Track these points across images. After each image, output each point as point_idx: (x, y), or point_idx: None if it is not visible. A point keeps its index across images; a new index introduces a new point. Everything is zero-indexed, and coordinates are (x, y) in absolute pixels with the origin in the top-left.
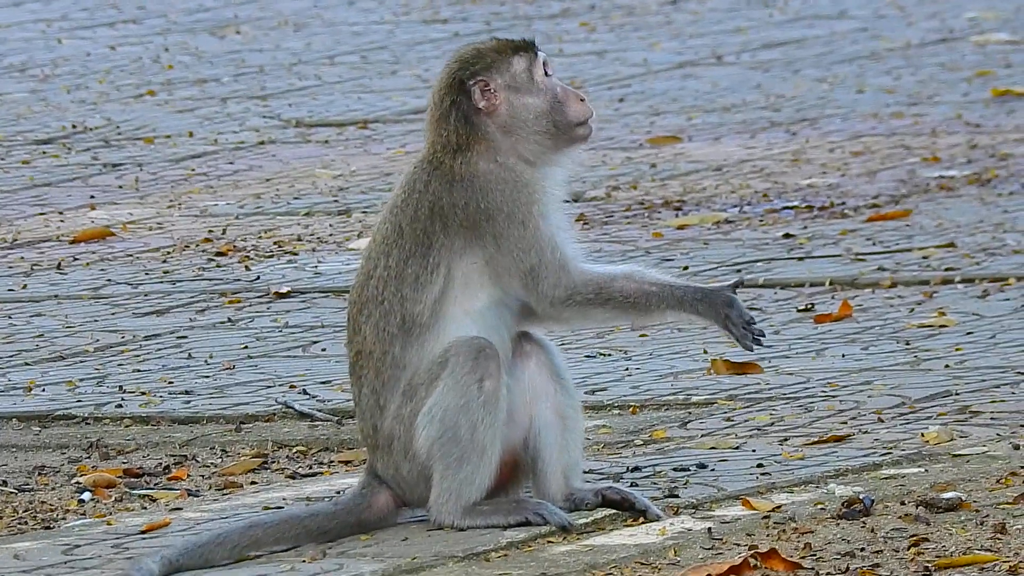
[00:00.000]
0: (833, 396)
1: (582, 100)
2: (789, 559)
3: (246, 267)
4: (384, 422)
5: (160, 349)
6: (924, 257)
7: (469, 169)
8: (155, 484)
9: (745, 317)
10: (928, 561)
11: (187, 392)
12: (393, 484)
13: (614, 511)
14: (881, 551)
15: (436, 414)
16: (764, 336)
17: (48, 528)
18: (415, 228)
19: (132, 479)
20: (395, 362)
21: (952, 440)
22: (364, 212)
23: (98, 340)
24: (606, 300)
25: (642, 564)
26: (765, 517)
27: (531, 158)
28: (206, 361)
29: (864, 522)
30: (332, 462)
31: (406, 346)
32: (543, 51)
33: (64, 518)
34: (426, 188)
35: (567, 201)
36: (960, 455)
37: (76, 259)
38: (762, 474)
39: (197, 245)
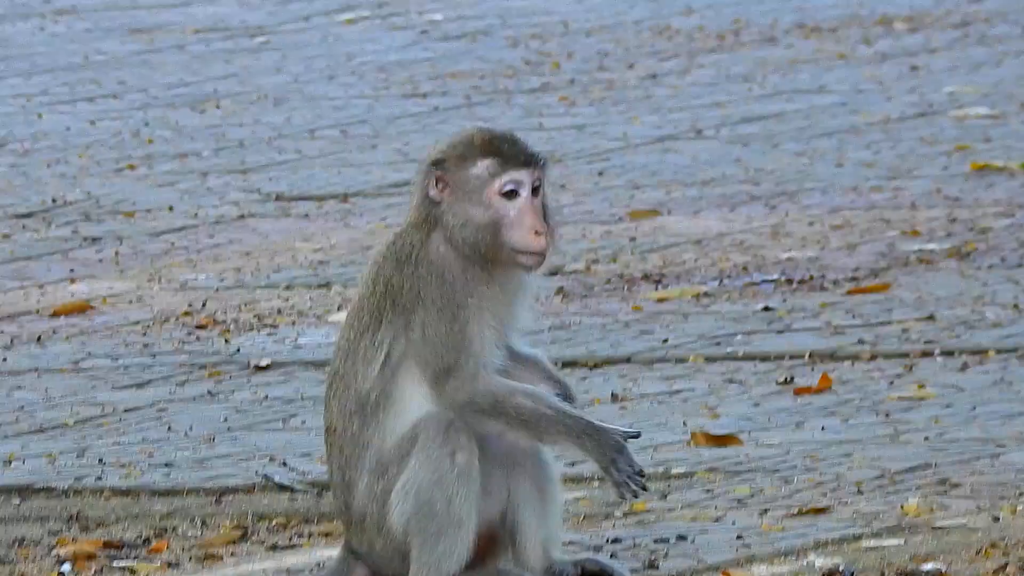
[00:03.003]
0: (813, 468)
1: (538, 233)
2: None
3: (226, 340)
4: (354, 500)
5: (140, 421)
6: (904, 330)
7: (420, 252)
8: (135, 556)
9: (634, 467)
10: None
11: (167, 464)
12: (368, 560)
13: None
14: None
15: (410, 490)
16: (647, 490)
17: None
18: (371, 303)
19: (112, 551)
20: (355, 440)
21: (932, 512)
22: (344, 285)
23: (78, 413)
24: (500, 414)
25: None
26: None
27: (473, 259)
28: (186, 433)
29: None
30: (312, 534)
31: (364, 424)
32: (543, 171)
33: None
34: (384, 263)
35: (522, 295)
36: (940, 527)
37: (56, 332)
38: (742, 546)
39: (177, 318)
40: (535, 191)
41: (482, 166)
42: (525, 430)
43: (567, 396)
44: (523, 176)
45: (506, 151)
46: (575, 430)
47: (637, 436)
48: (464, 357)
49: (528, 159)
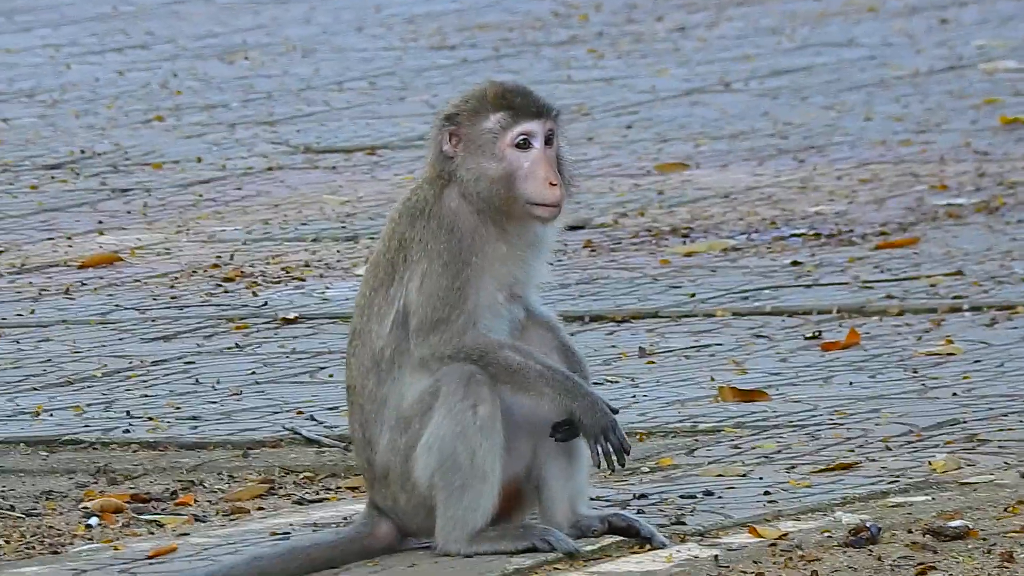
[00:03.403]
0: (840, 424)
1: (552, 184)
2: None
3: (253, 293)
4: (376, 456)
5: (167, 374)
6: (932, 285)
7: (433, 207)
8: (162, 509)
9: (623, 444)
10: None
11: (194, 418)
12: (392, 515)
13: (620, 538)
14: None
15: (433, 444)
16: (624, 467)
17: (55, 553)
18: (386, 259)
19: (139, 504)
20: (372, 397)
21: (959, 468)
22: (371, 238)
23: (106, 365)
24: (486, 365)
25: None
26: (772, 545)
27: (488, 214)
28: (213, 387)
29: (871, 550)
30: (339, 488)
31: (380, 381)
32: (555, 121)
33: (71, 543)
34: (399, 219)
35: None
36: (967, 483)
37: (84, 284)
38: (769, 502)
39: (205, 271)
40: (548, 142)
41: (494, 119)
42: (512, 383)
43: (577, 364)
44: (535, 127)
45: (518, 103)
46: (566, 390)
47: (616, 412)
48: (456, 312)
49: (540, 110)
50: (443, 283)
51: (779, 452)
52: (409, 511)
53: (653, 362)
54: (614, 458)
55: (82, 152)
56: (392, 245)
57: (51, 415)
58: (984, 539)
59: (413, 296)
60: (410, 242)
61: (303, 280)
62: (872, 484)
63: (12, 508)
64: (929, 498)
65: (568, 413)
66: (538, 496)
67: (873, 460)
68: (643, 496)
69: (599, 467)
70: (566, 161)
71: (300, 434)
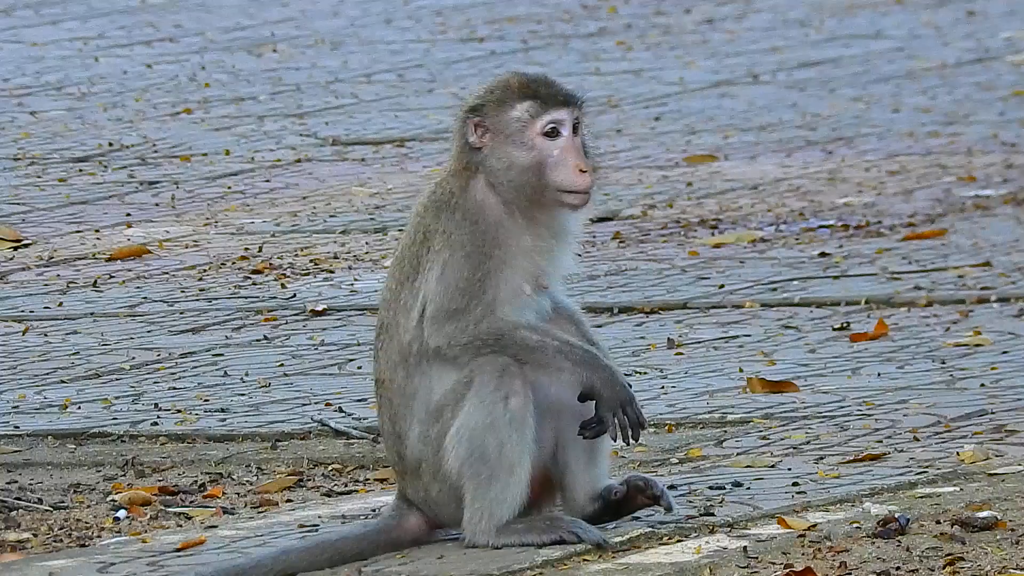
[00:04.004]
0: (869, 415)
1: (583, 171)
2: None
3: (282, 285)
4: (407, 449)
5: (196, 367)
6: (960, 276)
7: (459, 198)
8: (190, 502)
9: (640, 419)
10: None
11: (223, 410)
12: (424, 506)
13: (649, 529)
14: (917, 570)
15: (464, 434)
16: (638, 441)
17: (83, 546)
18: (411, 252)
19: (167, 497)
20: (401, 390)
21: (988, 459)
22: (400, 230)
23: (134, 358)
24: (504, 347)
25: None
26: (801, 536)
27: (516, 204)
28: (242, 379)
29: (899, 541)
30: (368, 480)
31: (409, 375)
32: (581, 110)
33: (99, 536)
34: (425, 212)
35: (566, 240)
36: (996, 474)
37: (112, 277)
38: (798, 493)
39: (233, 263)
40: (575, 130)
41: (522, 108)
42: (531, 362)
43: (596, 347)
44: (563, 115)
45: (544, 92)
46: (585, 362)
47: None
48: (474, 303)
49: (567, 98)
50: (463, 273)
51: (807, 443)
52: (441, 502)
53: (682, 353)
54: (630, 432)
55: (110, 145)
56: (417, 238)
57: (79, 408)
58: (1012, 530)
59: (432, 285)
60: (434, 234)
61: (332, 272)
62: (900, 475)
63: (40, 501)
64: (957, 489)
65: (587, 385)
66: (560, 480)
67: (901, 451)
68: (672, 487)
69: (615, 440)
70: (591, 148)
71: (328, 426)
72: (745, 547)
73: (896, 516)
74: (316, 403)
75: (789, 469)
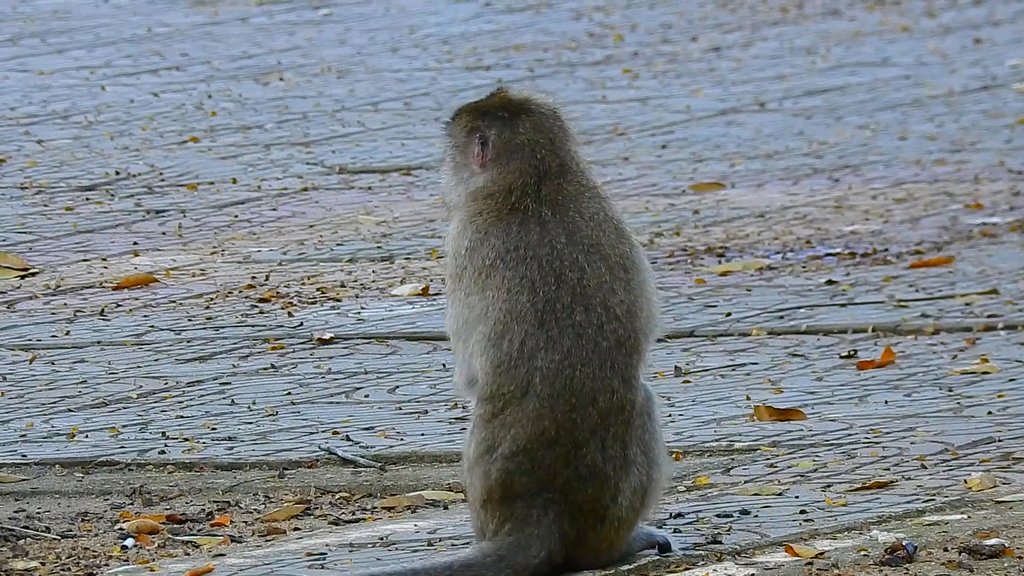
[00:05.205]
0: (876, 443)
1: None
2: None
3: (289, 313)
4: (661, 472)
5: (203, 395)
6: (967, 304)
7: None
8: (198, 530)
9: None
10: None
11: (230, 438)
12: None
13: (657, 558)
14: None
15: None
16: None
17: (91, 574)
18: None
19: (175, 525)
20: (640, 412)
21: (995, 487)
22: (407, 258)
23: (141, 386)
24: None
25: None
26: (808, 564)
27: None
28: (249, 407)
29: (907, 569)
30: (375, 508)
31: (647, 393)
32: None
33: (107, 564)
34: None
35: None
36: (1003, 502)
37: (119, 305)
38: (805, 520)
39: (240, 291)
40: None
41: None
42: None
43: None
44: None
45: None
46: None
47: None
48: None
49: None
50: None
51: (815, 471)
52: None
53: (689, 381)
54: None
55: (117, 173)
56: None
57: (86, 436)
58: (1020, 557)
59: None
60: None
61: (339, 300)
62: (908, 503)
63: (47, 529)
64: (965, 517)
65: None
66: None
67: (909, 479)
68: (680, 515)
69: None
70: None
71: (336, 454)
72: (753, 575)
73: (904, 544)
74: (323, 431)
75: (796, 497)
